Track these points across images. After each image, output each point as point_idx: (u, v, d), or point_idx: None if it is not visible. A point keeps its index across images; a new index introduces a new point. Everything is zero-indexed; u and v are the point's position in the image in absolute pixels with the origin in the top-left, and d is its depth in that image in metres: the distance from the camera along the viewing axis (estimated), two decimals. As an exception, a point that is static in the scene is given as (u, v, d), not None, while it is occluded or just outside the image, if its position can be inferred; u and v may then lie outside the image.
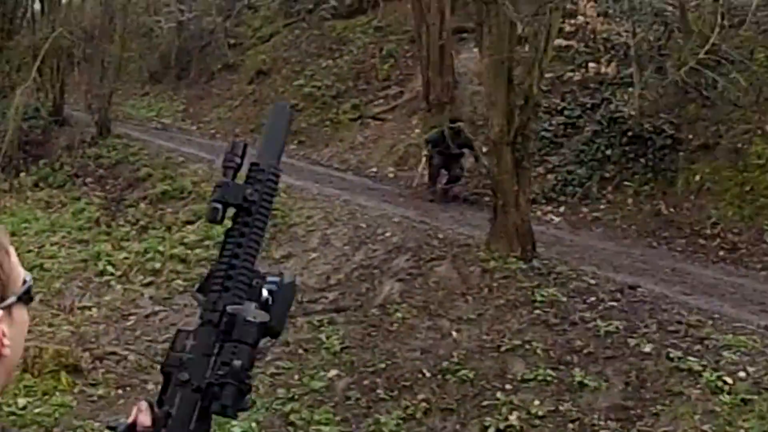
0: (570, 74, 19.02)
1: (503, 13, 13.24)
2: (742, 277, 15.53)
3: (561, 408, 11.53)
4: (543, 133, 18.18)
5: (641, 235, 17.01)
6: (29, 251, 15.79)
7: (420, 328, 12.97)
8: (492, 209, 14.22)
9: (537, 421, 11.39)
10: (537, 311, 12.95)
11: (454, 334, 12.79)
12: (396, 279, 14.00)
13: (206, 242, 15.50)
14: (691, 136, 17.62)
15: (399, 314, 13.24)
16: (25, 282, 1.73)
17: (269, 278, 1.80)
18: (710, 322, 12.54)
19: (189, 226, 16.07)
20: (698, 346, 11.97)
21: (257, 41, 24.84)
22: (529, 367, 12.15)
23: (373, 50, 22.33)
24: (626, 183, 17.83)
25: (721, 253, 16.31)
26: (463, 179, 18.10)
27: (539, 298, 13.11)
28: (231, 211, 1.82)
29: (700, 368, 11.46)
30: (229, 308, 1.72)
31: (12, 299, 1.69)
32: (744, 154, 17.08)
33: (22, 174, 19.41)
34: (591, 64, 18.80)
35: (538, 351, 12.31)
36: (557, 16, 13.67)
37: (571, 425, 11.32)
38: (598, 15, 19.03)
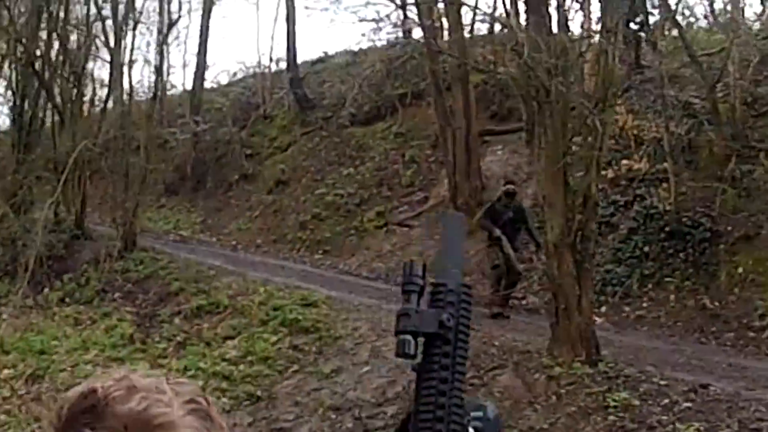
0: (603, 172, 18.69)
1: (558, 112, 12.92)
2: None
3: None
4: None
5: (688, 332, 16.57)
6: (62, 370, 15.10)
7: (490, 443, 12.34)
8: (554, 313, 13.68)
9: None
10: (611, 417, 12.38)
11: (528, 441, 12.19)
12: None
13: (249, 358, 14.89)
14: (730, 228, 17.31)
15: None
16: None
17: (472, 413, 1.53)
18: (791, 418, 12.04)
19: (229, 342, 15.47)
20: (785, 445, 11.47)
21: (274, 150, 24.53)
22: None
23: (394, 156, 22.03)
24: (667, 279, 17.45)
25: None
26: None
27: (612, 404, 12.54)
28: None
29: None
30: None
31: None
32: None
33: (46, 290, 18.76)
34: (623, 161, 18.49)
35: (623, 461, 11.76)
36: (611, 113, 13.35)
37: None
38: (628, 112, 18.78)
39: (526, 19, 14.38)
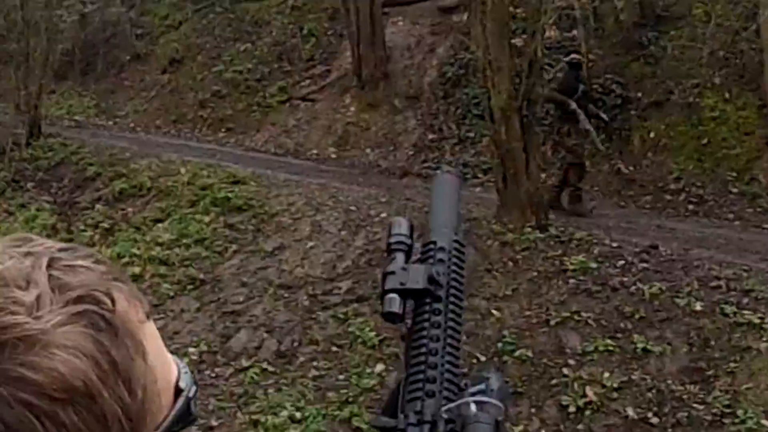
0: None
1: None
2: (720, 228, 15.27)
3: (633, 377, 10.86)
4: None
5: (606, 196, 16.61)
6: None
7: (457, 310, 11.99)
8: (501, 179, 13.30)
9: (615, 394, 10.70)
10: (572, 280, 12.22)
11: (495, 312, 11.90)
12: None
13: (184, 240, 14.08)
14: (640, 95, 17.25)
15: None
16: (179, 392, 1.01)
17: (475, 388, 1.28)
18: (745, 274, 12.09)
19: (159, 225, 14.59)
20: (746, 299, 11.53)
21: (167, 29, 23.19)
22: (585, 339, 11.41)
23: (293, 30, 21.08)
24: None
25: (690, 206, 16.03)
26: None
27: (570, 267, 12.36)
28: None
29: (758, 321, 11.05)
30: (444, 412, 1.25)
31: None
32: (696, 108, 16.80)
33: (-53, 183, 17.32)
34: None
35: (590, 321, 11.60)
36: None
37: (649, 394, 10.65)
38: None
39: None
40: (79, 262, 0.97)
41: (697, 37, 17.09)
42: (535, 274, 12.43)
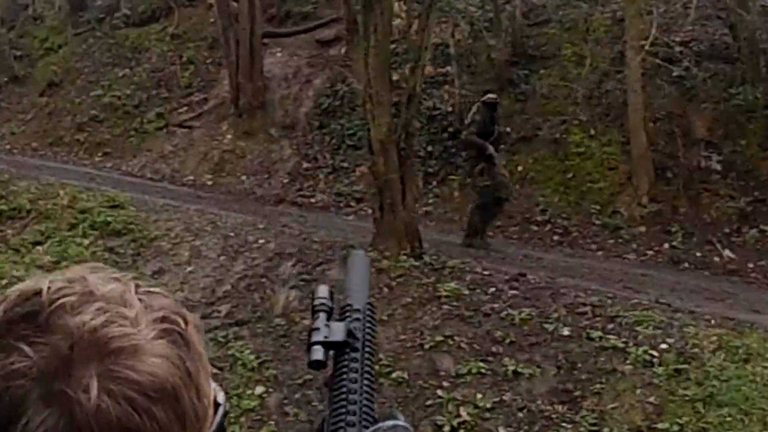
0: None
1: (387, 11, 12.72)
2: (584, 258, 15.87)
3: (505, 398, 11.22)
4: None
5: (476, 226, 17.00)
6: None
7: (337, 335, 12.19)
8: (378, 209, 13.59)
9: (487, 414, 11.05)
10: (446, 306, 12.56)
11: (372, 334, 12.11)
12: (290, 286, 13.17)
13: (64, 263, 13.94)
14: (509, 130, 17.79)
15: (306, 321, 12.40)
16: (217, 406, 1.20)
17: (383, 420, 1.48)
18: (609, 301, 12.60)
19: (39, 247, 14.42)
20: (612, 325, 12.01)
21: (46, 52, 22.93)
22: (459, 362, 11.74)
23: (172, 58, 21.09)
24: (451, 177, 17.81)
25: (555, 237, 16.60)
26: None
27: (444, 293, 12.69)
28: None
29: (622, 345, 11.53)
30: None
31: None
32: (563, 144, 17.44)
33: None
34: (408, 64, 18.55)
35: (463, 345, 11.94)
36: (434, 16, 13.28)
37: (520, 414, 11.03)
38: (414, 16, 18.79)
39: None
40: (154, 290, 1.16)
41: (566, 76, 17.76)
42: (410, 300, 12.72)
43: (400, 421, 1.42)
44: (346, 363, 1.51)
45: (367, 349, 1.54)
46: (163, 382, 1.08)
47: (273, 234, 14.42)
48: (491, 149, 14.93)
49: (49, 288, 1.11)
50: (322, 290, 1.59)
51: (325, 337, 1.50)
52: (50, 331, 1.07)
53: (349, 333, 1.52)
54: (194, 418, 1.11)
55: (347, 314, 1.57)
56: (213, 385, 1.19)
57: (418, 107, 13.68)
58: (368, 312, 1.59)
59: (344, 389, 1.49)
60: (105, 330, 1.08)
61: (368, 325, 1.57)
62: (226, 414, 1.20)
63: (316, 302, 1.56)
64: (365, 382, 1.50)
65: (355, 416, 1.45)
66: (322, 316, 1.54)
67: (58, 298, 1.10)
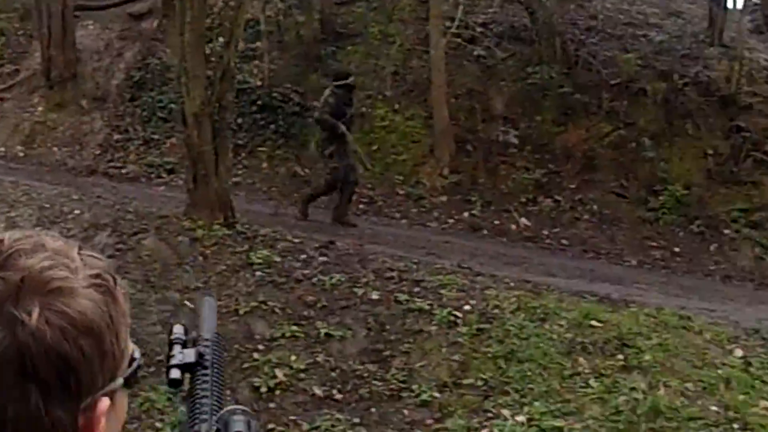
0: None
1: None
2: (389, 226, 16.39)
3: (318, 359, 11.54)
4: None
5: (283, 195, 17.31)
6: None
7: (150, 302, 12.27)
8: (192, 179, 13.70)
9: (302, 375, 11.33)
10: (259, 273, 12.77)
11: (188, 303, 12.27)
12: (106, 256, 13.07)
13: None
14: (316, 104, 18.10)
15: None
16: (132, 360, 1.47)
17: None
18: (414, 266, 13.11)
19: None
20: (417, 288, 12.48)
21: None
22: (273, 326, 12.00)
23: (-19, 29, 20.45)
24: (260, 149, 18.00)
25: (362, 206, 17.04)
26: None
27: (257, 261, 12.91)
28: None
29: (428, 307, 12.00)
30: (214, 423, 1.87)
31: (118, 382, 1.42)
32: (369, 118, 17.89)
33: None
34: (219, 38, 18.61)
35: (276, 310, 12.19)
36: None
37: (333, 373, 11.38)
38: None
39: None
40: (94, 254, 1.44)
41: (373, 53, 18.21)
42: (224, 267, 12.89)
43: (238, 407, 1.79)
44: (198, 380, 1.83)
45: (215, 367, 1.85)
46: (90, 321, 1.34)
47: (87, 205, 14.30)
48: (343, 128, 15.18)
49: (9, 237, 1.38)
50: (177, 328, 1.89)
51: (180, 360, 1.82)
52: (6, 268, 1.32)
53: (200, 355, 1.84)
54: (112, 358, 1.37)
55: (198, 343, 1.88)
56: (132, 345, 1.45)
57: (232, 81, 13.82)
58: (215, 339, 1.91)
59: (197, 397, 1.81)
60: (50, 272, 1.33)
61: (215, 349, 1.89)
62: (140, 367, 1.46)
63: (173, 336, 1.87)
64: (214, 390, 1.82)
65: (207, 415, 1.78)
66: (178, 346, 1.85)
67: (16, 245, 1.36)
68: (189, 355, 1.85)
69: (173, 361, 1.84)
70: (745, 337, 11.82)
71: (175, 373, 1.82)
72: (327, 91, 15.70)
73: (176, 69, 13.78)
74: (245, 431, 1.75)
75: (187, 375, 1.83)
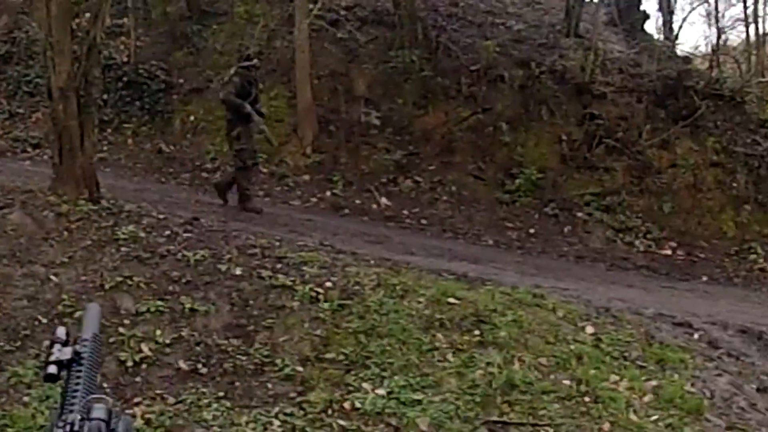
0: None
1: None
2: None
3: (183, 334, 11.64)
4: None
5: (148, 172, 17.30)
6: None
7: (16, 277, 12.18)
8: (57, 154, 13.61)
9: (167, 349, 11.41)
10: (124, 248, 12.78)
11: (53, 278, 12.22)
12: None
13: None
14: (182, 81, 18.14)
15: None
16: None
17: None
18: (277, 243, 13.33)
19: None
20: (280, 265, 12.68)
21: None
22: (138, 301, 12.04)
23: None
24: (125, 125, 17.92)
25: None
26: None
27: (122, 236, 12.93)
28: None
29: (290, 283, 12.20)
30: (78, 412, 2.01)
31: None
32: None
33: None
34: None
35: (141, 285, 12.22)
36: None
37: (198, 348, 11.50)
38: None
39: None
40: None
41: (238, 33, 18.29)
42: (90, 242, 12.85)
43: (101, 396, 1.97)
44: (73, 374, 2.02)
45: (90, 364, 2.05)
46: None
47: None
48: (248, 108, 15.18)
49: None
50: (60, 329, 2.12)
51: (57, 357, 2.02)
52: None
53: (76, 353, 2.04)
54: None
55: (78, 341, 2.09)
56: None
57: (98, 57, 13.76)
58: (93, 339, 2.11)
59: (71, 391, 1.99)
60: None
61: (92, 348, 2.09)
62: None
63: (54, 336, 2.09)
64: (87, 384, 2.00)
65: (77, 406, 1.94)
66: (58, 345, 2.06)
67: None
68: (66, 353, 2.03)
69: (51, 358, 2.03)
70: (596, 315, 12.38)
71: (52, 369, 2.02)
72: (231, 71, 15.76)
73: (42, 43, 13.64)
74: (105, 417, 1.90)
75: (64, 372, 2.01)
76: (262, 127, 15.64)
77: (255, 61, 15.84)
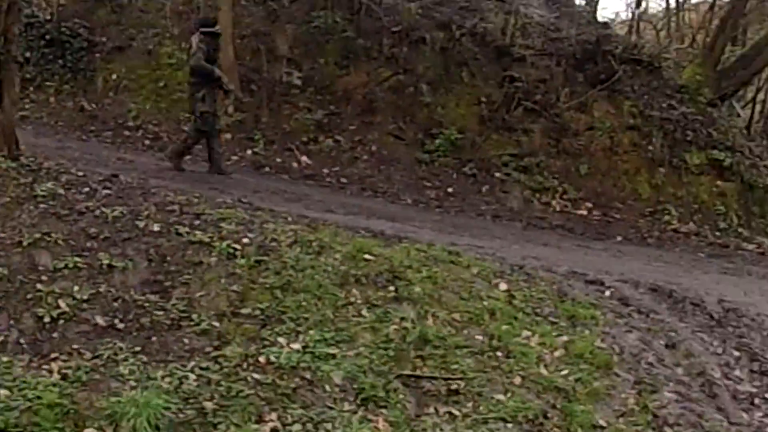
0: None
1: None
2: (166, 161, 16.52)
3: (101, 290, 11.62)
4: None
5: (70, 130, 17.18)
6: None
7: (-67, 231, 12.10)
8: (-25, 110, 13.48)
9: (85, 305, 11.37)
10: (43, 205, 12.69)
11: (-29, 234, 12.15)
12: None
13: None
14: (105, 39, 18.01)
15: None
16: None
17: None
18: (196, 200, 13.37)
19: None
20: (198, 221, 12.67)
21: None
22: (56, 258, 12.01)
23: None
24: (48, 83, 17.80)
25: (147, 142, 17.11)
26: None
27: (41, 193, 12.86)
28: None
29: (208, 239, 12.21)
30: None
31: None
32: (156, 55, 17.90)
33: None
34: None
35: (60, 242, 12.18)
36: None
37: (115, 304, 11.51)
38: None
39: None
40: None
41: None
42: (8, 199, 12.73)
43: None
44: None
45: None
46: None
47: None
48: (219, 73, 15.48)
49: None
50: None
51: None
52: None
53: None
54: None
55: None
56: None
57: (19, 14, 13.61)
58: None
59: None
60: None
61: None
62: None
63: None
64: None
65: None
66: None
67: None
68: None
69: None
70: (510, 272, 12.61)
71: None
72: (196, 38, 15.72)
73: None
74: None
75: None
76: (231, 88, 16.03)
77: (217, 27, 16.00)
